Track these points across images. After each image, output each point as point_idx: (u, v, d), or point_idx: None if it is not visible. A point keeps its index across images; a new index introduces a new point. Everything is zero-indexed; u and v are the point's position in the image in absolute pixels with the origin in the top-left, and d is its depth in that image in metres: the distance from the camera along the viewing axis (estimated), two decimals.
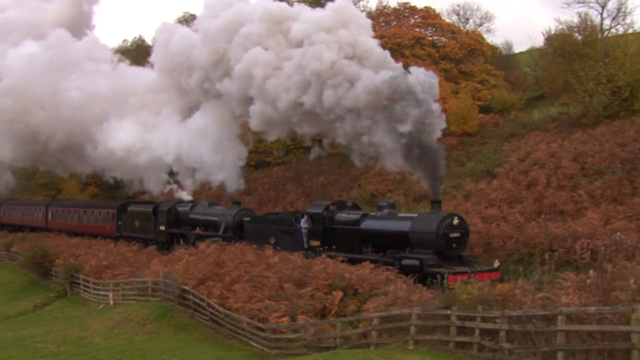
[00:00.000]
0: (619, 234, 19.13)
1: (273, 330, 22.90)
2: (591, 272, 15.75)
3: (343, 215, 28.84)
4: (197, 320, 27.52)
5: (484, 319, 16.08)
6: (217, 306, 26.12)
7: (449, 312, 17.14)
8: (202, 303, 27.05)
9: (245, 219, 35.13)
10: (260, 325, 23.47)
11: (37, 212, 61.98)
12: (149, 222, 43.07)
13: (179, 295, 28.86)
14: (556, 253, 24.77)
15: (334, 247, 28.00)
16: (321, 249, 28.18)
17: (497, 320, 15.66)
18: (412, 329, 18.00)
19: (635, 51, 38.46)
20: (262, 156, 55.17)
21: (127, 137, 46.95)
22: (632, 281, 14.15)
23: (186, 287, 28.43)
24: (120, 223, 46.68)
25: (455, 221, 24.37)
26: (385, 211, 27.16)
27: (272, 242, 30.82)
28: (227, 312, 25.57)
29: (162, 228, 41.46)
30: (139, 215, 44.65)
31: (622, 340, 12.90)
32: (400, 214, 28.20)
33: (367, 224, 27.18)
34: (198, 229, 39.07)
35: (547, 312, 14.69)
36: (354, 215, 28.35)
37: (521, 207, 31.65)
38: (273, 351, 22.43)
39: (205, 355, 22.20)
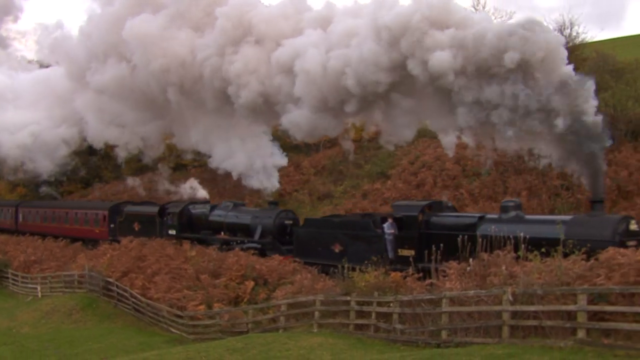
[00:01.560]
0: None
1: (191, 317, 22.85)
2: (471, 260, 16.25)
3: (449, 218, 21.68)
4: (120, 309, 27.22)
5: (379, 304, 16.43)
6: (139, 296, 25.95)
7: (348, 298, 17.39)
8: (125, 294, 26.83)
9: (286, 222, 28.50)
10: (179, 313, 23.43)
11: (4, 213, 53.98)
12: (153, 226, 35.33)
13: (104, 286, 28.49)
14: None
15: (432, 257, 17.65)
16: (415, 258, 20.61)
17: (391, 304, 16.02)
18: (316, 313, 18.22)
19: None
20: (180, 159, 54.16)
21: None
22: (503, 267, 14.67)
23: (110, 279, 28.13)
24: (112, 226, 39.11)
25: (633, 226, 17.41)
26: (512, 213, 19.75)
27: (336, 250, 23.77)
28: (149, 301, 25.40)
29: (172, 232, 33.70)
30: (139, 218, 37.01)
31: (495, 318, 13.42)
32: (533, 217, 21.31)
33: (486, 229, 18.89)
34: (223, 233, 31.14)
35: (434, 296, 15.13)
36: (468, 218, 21.36)
37: None
38: (191, 336, 22.33)
39: (129, 341, 22.05)
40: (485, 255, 15.82)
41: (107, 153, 56.60)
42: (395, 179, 36.07)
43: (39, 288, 32.85)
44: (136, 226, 36.75)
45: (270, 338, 16.60)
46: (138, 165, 56.73)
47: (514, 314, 13.06)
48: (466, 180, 32.40)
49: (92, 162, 59.23)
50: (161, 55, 30.73)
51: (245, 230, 29.57)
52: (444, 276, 16.42)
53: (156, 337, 23.23)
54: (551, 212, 26.61)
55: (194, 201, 36.18)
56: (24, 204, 53.28)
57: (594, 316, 11.92)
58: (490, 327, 13.52)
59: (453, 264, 16.67)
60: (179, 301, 23.99)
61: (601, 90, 30.73)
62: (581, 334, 11.70)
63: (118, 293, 27.52)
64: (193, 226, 33.30)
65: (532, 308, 12.74)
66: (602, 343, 11.16)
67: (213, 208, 32.64)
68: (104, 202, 46.60)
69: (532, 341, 12.21)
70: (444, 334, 14.38)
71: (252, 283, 23.86)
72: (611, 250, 13.44)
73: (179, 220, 33.54)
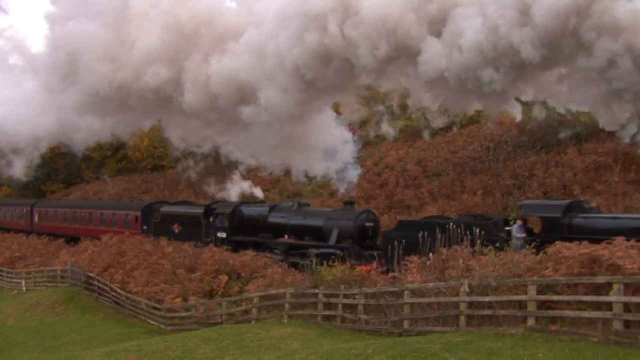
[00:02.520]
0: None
1: (168, 309, 22.79)
2: (430, 255, 16.40)
3: (605, 221, 17.71)
4: (101, 302, 27.11)
5: (346, 296, 16.51)
6: (119, 290, 25.88)
7: (317, 291, 17.46)
8: (106, 288, 26.74)
9: (367, 224, 23.61)
10: (157, 305, 23.36)
11: (18, 213, 48.50)
12: (198, 228, 30.38)
13: (85, 281, 28.35)
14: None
15: None
16: None
17: (357, 297, 16.11)
18: (287, 306, 18.26)
19: None
20: (158, 160, 53.80)
21: None
22: (461, 262, 14.87)
23: (91, 274, 28.02)
24: (146, 227, 34.33)
25: None
26: None
27: None
28: (128, 295, 25.34)
29: (222, 235, 28.84)
30: (180, 219, 32.16)
31: (453, 308, 13.59)
32: None
33: None
34: (287, 236, 26.14)
35: (396, 289, 15.26)
36: (630, 220, 17.41)
37: (376, 203, 32.53)
38: (168, 328, 22.26)
39: (109, 332, 22.03)
40: (444, 251, 16.00)
41: (87, 155, 56.21)
42: (361, 180, 36.18)
43: (23, 283, 32.50)
44: (176, 228, 32.04)
45: (243, 329, 16.59)
46: (117, 166, 56.28)
47: (471, 305, 13.24)
48: (426, 180, 32.63)
49: (73, 164, 58.51)
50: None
51: (316, 234, 24.46)
52: (406, 270, 16.59)
53: (135, 328, 23.13)
54: (504, 210, 27.01)
55: (246, 201, 32.01)
56: (40, 203, 48.09)
57: (542, 305, 12.14)
58: (449, 316, 13.68)
59: (414, 258, 16.84)
60: (157, 294, 23.96)
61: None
62: (531, 322, 11.91)
63: (99, 287, 27.37)
64: (247, 228, 28.45)
65: (487, 299, 12.93)
66: (549, 330, 11.38)
67: (273, 208, 27.76)
68: (134, 201, 41.70)
69: (486, 329, 12.38)
70: (406, 324, 14.51)
71: (226, 277, 23.84)
72: (558, 244, 13.67)
73: (230, 221, 28.78)
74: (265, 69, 25.40)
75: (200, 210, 30.85)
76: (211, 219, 29.79)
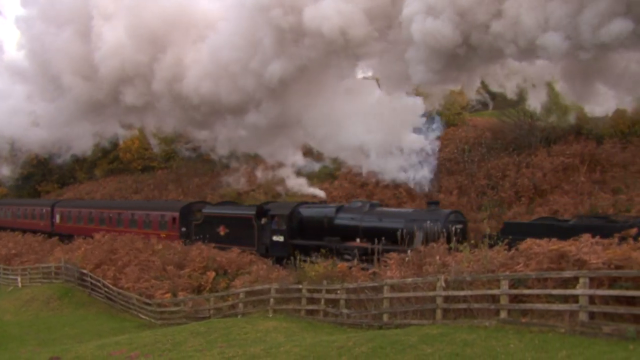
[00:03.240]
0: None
1: (158, 304, 22.76)
2: (409, 252, 16.48)
3: None
4: (94, 298, 27.08)
5: (328, 291, 16.55)
6: (111, 286, 25.84)
7: (300, 286, 17.47)
8: (98, 283, 26.67)
9: (457, 226, 19.29)
10: (147, 300, 23.35)
11: (37, 213, 44.63)
12: (249, 230, 26.81)
13: (79, 277, 28.26)
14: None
15: None
16: None
17: (338, 292, 16.14)
18: (272, 300, 18.25)
19: None
20: (148, 161, 53.45)
21: None
22: (437, 258, 14.99)
23: (84, 271, 27.92)
24: (184, 229, 30.73)
25: None
26: None
27: None
28: (120, 290, 25.30)
29: (279, 239, 25.37)
30: (227, 221, 28.45)
31: (430, 302, 13.68)
32: None
33: None
34: (359, 240, 22.40)
35: (376, 284, 15.33)
36: None
37: None
38: (158, 321, 22.26)
39: (102, 326, 22.08)
40: (421, 248, 16.10)
41: (77, 157, 55.92)
42: (342, 180, 36.23)
43: (19, 279, 32.27)
44: (222, 230, 28.39)
45: (230, 322, 16.57)
46: (109, 167, 56.05)
47: (446, 299, 13.33)
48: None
49: (66, 165, 58.09)
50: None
51: (393, 236, 20.10)
52: (385, 266, 16.65)
53: (127, 322, 23.14)
54: (478, 209, 27.20)
55: (304, 201, 28.19)
56: (61, 203, 44.08)
57: (514, 299, 12.27)
58: (426, 310, 13.77)
59: (393, 254, 16.91)
60: (147, 290, 23.99)
61: (522, 102, 31.68)
62: (503, 314, 12.03)
63: (92, 283, 27.32)
64: (308, 231, 24.87)
65: (461, 293, 13.03)
66: (520, 322, 11.49)
67: (340, 209, 24.08)
68: (170, 201, 37.61)
69: (461, 322, 12.48)
70: (385, 317, 14.59)
71: (213, 273, 23.83)
72: (529, 240, 13.80)
73: (288, 223, 25.17)
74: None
75: (252, 212, 27.19)
76: (263, 221, 26.47)
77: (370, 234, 21.79)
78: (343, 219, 23.48)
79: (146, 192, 48.59)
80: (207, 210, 30.18)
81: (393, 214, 22.81)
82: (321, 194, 31.29)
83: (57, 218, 41.95)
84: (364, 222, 22.61)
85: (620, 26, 15.36)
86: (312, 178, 38.62)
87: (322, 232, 23.90)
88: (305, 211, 25.36)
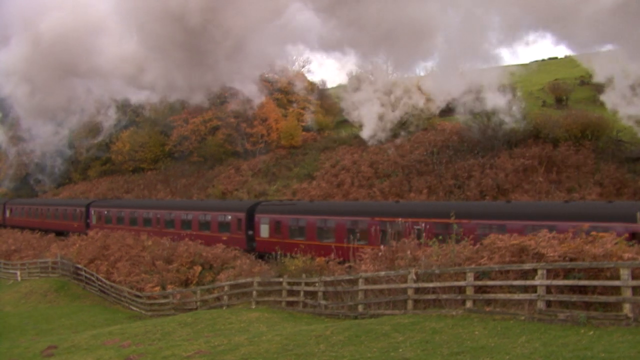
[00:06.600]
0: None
1: (148, 297, 22.72)
2: (382, 247, 16.54)
3: None
4: (88, 291, 27.11)
5: (307, 284, 16.58)
6: (104, 279, 25.83)
7: (281, 279, 17.48)
8: (92, 277, 26.65)
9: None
10: (138, 293, 23.30)
11: (72, 213, 40.81)
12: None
13: (74, 271, 28.22)
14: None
15: None
16: None
17: (316, 284, 16.18)
18: (254, 293, 18.24)
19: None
20: (138, 163, 52.94)
21: None
22: (408, 252, 15.05)
23: (79, 265, 27.92)
24: (251, 232, 27.06)
25: None
26: None
27: None
28: (112, 284, 25.29)
29: None
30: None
31: (402, 293, 13.77)
32: None
33: None
34: None
35: (352, 277, 15.37)
36: None
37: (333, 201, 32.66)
38: (148, 313, 22.20)
39: (96, 317, 22.03)
40: (393, 243, 16.17)
41: (75, 158, 55.39)
42: (320, 180, 36.31)
43: (18, 273, 32.07)
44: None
45: (215, 314, 16.52)
46: (102, 168, 55.62)
47: (417, 290, 13.42)
48: (378, 181, 32.91)
49: (62, 166, 57.58)
50: None
51: None
52: (360, 260, 16.71)
53: (119, 314, 23.07)
54: None
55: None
56: (97, 202, 40.39)
57: (478, 290, 12.40)
58: (398, 301, 13.85)
59: (367, 249, 16.96)
60: (138, 283, 23.98)
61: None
62: (469, 304, 12.15)
63: (86, 277, 27.26)
64: None
65: (431, 285, 13.13)
66: (484, 310, 11.63)
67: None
68: (232, 200, 32.89)
69: (431, 311, 12.58)
70: (360, 308, 14.64)
71: (199, 268, 23.78)
72: (492, 236, 13.97)
73: None
74: None
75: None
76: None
77: None
78: None
79: (136, 191, 48.25)
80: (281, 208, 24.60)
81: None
82: None
83: (94, 219, 38.67)
84: None
85: None
86: (292, 179, 38.69)
87: None
88: None
